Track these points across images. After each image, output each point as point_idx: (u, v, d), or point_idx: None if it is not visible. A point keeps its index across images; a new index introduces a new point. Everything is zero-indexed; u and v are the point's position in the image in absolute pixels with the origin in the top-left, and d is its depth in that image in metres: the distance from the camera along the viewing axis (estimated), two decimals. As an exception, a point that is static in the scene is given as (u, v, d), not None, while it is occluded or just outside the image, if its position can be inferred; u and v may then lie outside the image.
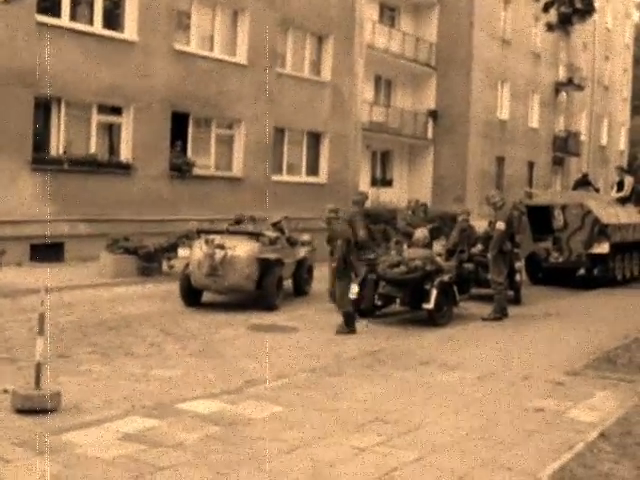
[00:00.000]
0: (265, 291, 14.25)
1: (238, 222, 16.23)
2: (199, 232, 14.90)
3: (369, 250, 14.76)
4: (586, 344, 11.98)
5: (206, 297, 14.66)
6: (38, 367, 7.50)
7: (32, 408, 7.33)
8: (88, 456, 6.28)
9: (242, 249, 14.00)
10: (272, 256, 14.32)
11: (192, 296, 14.39)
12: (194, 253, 14.18)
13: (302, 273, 16.18)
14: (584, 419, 7.87)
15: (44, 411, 7.33)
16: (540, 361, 10.72)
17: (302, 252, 16.12)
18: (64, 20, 19.32)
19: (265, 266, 14.19)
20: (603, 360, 10.68)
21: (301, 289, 16.26)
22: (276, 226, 15.77)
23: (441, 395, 8.71)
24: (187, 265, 14.36)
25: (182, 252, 15.51)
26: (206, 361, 10.06)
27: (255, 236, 14.56)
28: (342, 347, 11.26)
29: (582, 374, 9.89)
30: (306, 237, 16.61)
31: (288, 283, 15.83)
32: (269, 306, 14.17)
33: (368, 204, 19.77)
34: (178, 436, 6.86)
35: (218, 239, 14.07)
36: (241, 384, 8.85)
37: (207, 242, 13.96)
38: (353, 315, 12.39)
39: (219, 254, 13.78)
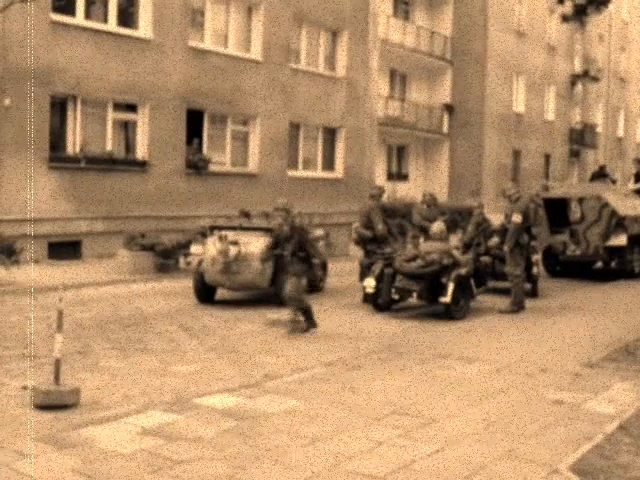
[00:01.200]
0: (280, 287, 14.03)
1: (245, 216, 16.18)
2: (212, 228, 14.82)
3: (387, 244, 14.75)
4: (604, 336, 11.94)
5: (220, 294, 14.66)
6: (57, 363, 7.54)
7: (52, 404, 7.37)
8: (107, 451, 6.32)
9: (256, 245, 13.90)
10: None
11: (206, 293, 14.35)
12: (207, 250, 14.10)
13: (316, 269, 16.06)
14: (603, 411, 7.85)
15: (64, 407, 7.37)
16: (558, 353, 10.69)
17: None
18: (79, 18, 19.43)
19: (279, 262, 14.10)
20: (621, 352, 10.64)
21: (315, 285, 16.00)
22: None
23: (459, 387, 8.71)
24: (201, 262, 14.31)
25: (195, 249, 15.40)
26: (224, 356, 10.08)
27: (269, 232, 14.42)
28: (360, 341, 11.26)
29: (600, 366, 9.86)
30: (320, 232, 16.43)
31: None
32: (284, 302, 14.07)
33: (385, 198, 19.60)
34: (196, 430, 6.89)
35: (232, 235, 14.01)
36: (259, 378, 8.87)
37: (221, 238, 13.90)
38: (311, 309, 11.88)
39: (233, 250, 13.71)
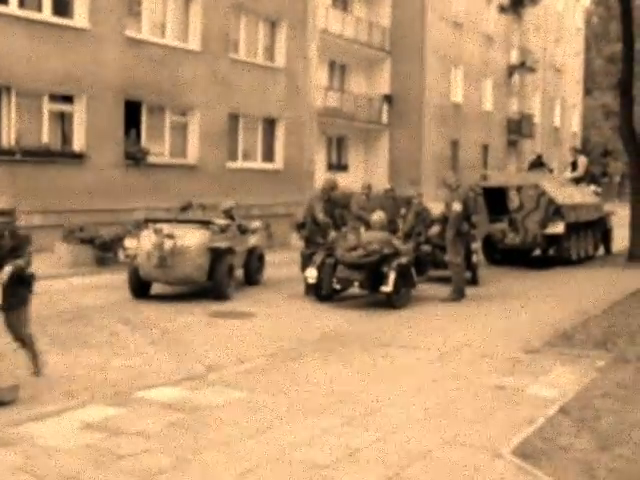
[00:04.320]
0: (217, 281, 13.76)
1: (185, 208, 15.97)
2: (147, 221, 14.34)
3: (329, 232, 14.75)
4: (544, 322, 12.12)
5: (157, 289, 14.32)
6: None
7: None
8: (49, 447, 6.21)
9: (192, 238, 13.49)
10: (223, 245, 13.84)
11: (141, 288, 13.91)
12: (142, 244, 13.61)
13: (253, 262, 15.68)
14: (544, 395, 7.97)
15: (1, 404, 7.23)
16: (499, 340, 10.82)
17: (253, 240, 15.71)
18: (12, 8, 18.99)
19: (216, 255, 13.74)
20: (561, 337, 10.81)
21: (253, 278, 15.73)
22: (227, 213, 15.40)
23: (402, 375, 8.76)
24: (135, 256, 13.85)
25: (129, 243, 14.84)
26: (166, 349, 9.99)
27: (205, 224, 14.02)
28: (302, 331, 11.25)
29: (541, 351, 10.01)
30: (256, 224, 16.11)
31: (240, 272, 15.46)
32: (221, 297, 13.74)
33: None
34: (139, 424, 6.81)
35: (167, 228, 13.56)
36: (202, 370, 8.82)
37: (156, 232, 13.43)
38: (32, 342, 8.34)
39: (168, 244, 13.26)
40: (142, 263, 13.53)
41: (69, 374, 8.56)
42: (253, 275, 15.77)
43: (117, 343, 10.25)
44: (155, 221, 14.15)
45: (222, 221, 14.51)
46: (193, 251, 13.42)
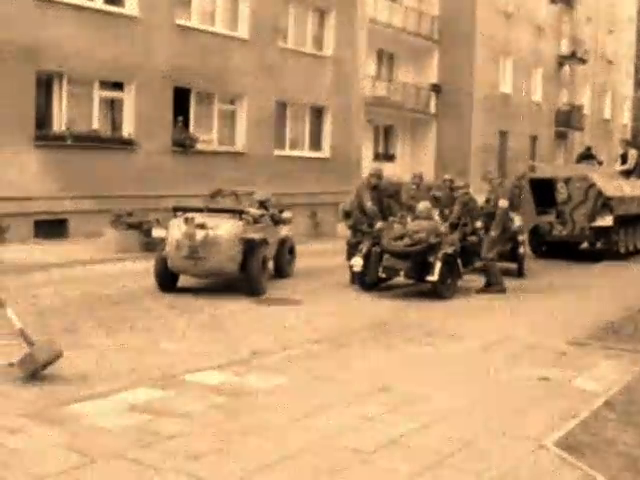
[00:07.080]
0: (251, 274, 13.00)
1: (215, 196, 15.81)
2: (175, 210, 13.47)
3: (378, 220, 14.66)
4: (590, 315, 12.00)
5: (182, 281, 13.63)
6: (22, 332, 7.51)
7: (40, 364, 7.37)
8: (96, 426, 6.31)
9: (225, 228, 12.77)
10: (257, 236, 13.13)
11: (168, 280, 13.17)
12: (172, 233, 12.84)
13: (284, 253, 15.07)
14: (589, 388, 7.91)
15: (57, 358, 7.48)
16: (544, 331, 10.75)
17: (284, 230, 15.20)
18: (65, -5, 19.24)
19: (249, 247, 12.98)
20: (607, 330, 10.71)
21: (283, 270, 15.06)
22: (262, 204, 14.93)
23: (446, 365, 8.75)
24: (164, 246, 13.12)
25: (157, 232, 13.98)
26: (212, 333, 10.08)
27: (238, 214, 13.41)
28: (347, 319, 11.28)
29: (586, 344, 9.93)
30: (287, 214, 15.44)
31: (270, 264, 14.62)
32: (255, 291, 13.01)
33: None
34: (185, 406, 6.90)
35: (198, 217, 12.85)
36: (247, 355, 8.88)
37: (186, 221, 12.71)
38: None
39: (200, 234, 12.55)
40: (171, 253, 12.82)
41: (116, 356, 8.68)
42: (284, 267, 15.13)
43: (164, 327, 10.37)
44: (185, 210, 13.44)
45: (256, 211, 14.08)
46: (226, 242, 12.74)
